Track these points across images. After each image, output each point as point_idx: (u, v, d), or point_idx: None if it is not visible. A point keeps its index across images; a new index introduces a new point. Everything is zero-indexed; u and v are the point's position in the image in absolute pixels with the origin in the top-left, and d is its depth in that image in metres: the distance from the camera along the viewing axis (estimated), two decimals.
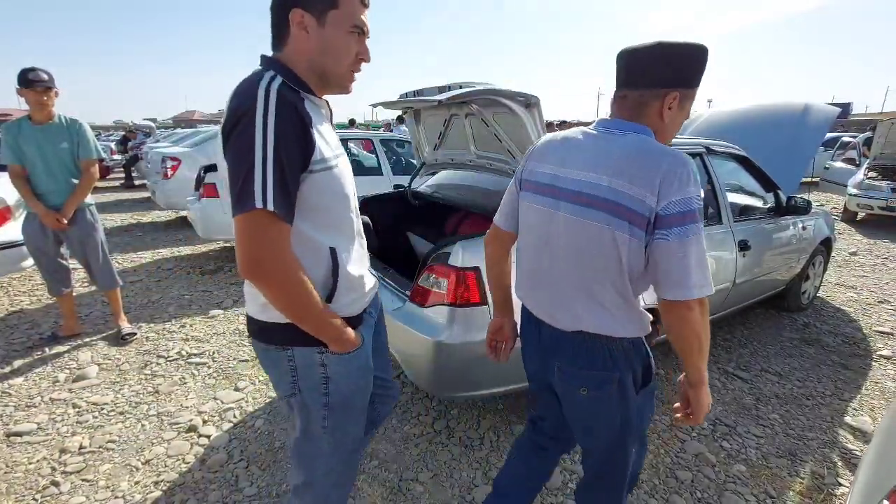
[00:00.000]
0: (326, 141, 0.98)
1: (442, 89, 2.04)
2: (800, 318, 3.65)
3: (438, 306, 1.83)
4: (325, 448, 1.12)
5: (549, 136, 1.21)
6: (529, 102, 1.87)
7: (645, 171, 0.96)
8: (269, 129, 0.86)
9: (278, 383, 1.11)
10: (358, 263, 1.11)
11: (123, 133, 12.33)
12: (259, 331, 1.07)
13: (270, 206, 0.85)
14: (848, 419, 2.37)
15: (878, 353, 3.08)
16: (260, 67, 0.97)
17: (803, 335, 3.34)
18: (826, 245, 3.78)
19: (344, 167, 1.05)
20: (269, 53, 1.02)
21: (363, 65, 1.05)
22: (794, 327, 3.48)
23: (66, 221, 2.80)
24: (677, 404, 1.17)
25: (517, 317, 1.37)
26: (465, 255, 1.80)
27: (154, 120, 13.42)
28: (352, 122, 14.20)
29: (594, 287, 1.06)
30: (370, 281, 1.17)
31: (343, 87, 1.06)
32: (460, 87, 1.97)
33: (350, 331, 1.05)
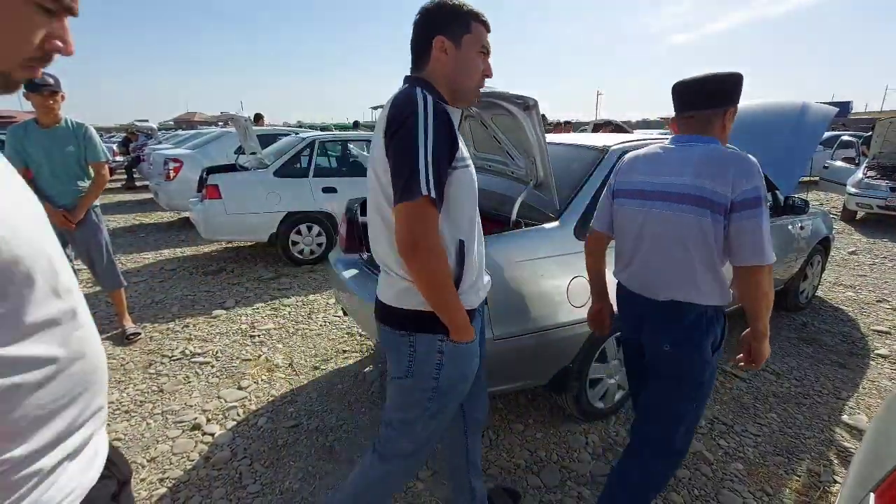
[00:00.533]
0: (463, 143, 1.16)
1: None
2: (798, 317, 3.67)
3: None
4: (420, 429, 1.27)
5: (632, 153, 1.56)
6: (528, 105, 1.90)
7: (721, 170, 1.28)
8: (429, 130, 1.03)
9: (393, 364, 1.25)
10: (480, 259, 1.25)
11: (125, 134, 12.36)
12: (389, 316, 1.22)
13: (433, 194, 1.01)
14: (845, 418, 2.39)
15: (875, 352, 3.10)
16: (406, 84, 1.16)
17: (801, 334, 3.36)
18: (824, 244, 3.80)
19: (473, 169, 1.20)
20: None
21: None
22: (793, 326, 3.50)
23: (74, 222, 2.84)
24: (741, 355, 1.45)
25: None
26: None
27: (144, 121, 13.51)
28: (356, 124, 14.27)
29: (685, 264, 1.36)
30: (486, 278, 1.31)
31: (469, 101, 1.26)
32: None
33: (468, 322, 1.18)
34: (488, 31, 1.21)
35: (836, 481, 1.97)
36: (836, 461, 2.10)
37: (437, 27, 1.16)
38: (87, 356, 0.65)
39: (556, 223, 2.05)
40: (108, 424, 2.27)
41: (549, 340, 1.95)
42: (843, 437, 2.26)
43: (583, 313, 2.00)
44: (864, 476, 0.94)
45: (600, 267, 1.67)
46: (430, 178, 1.01)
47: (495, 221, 2.27)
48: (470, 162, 1.17)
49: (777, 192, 3.14)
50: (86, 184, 2.90)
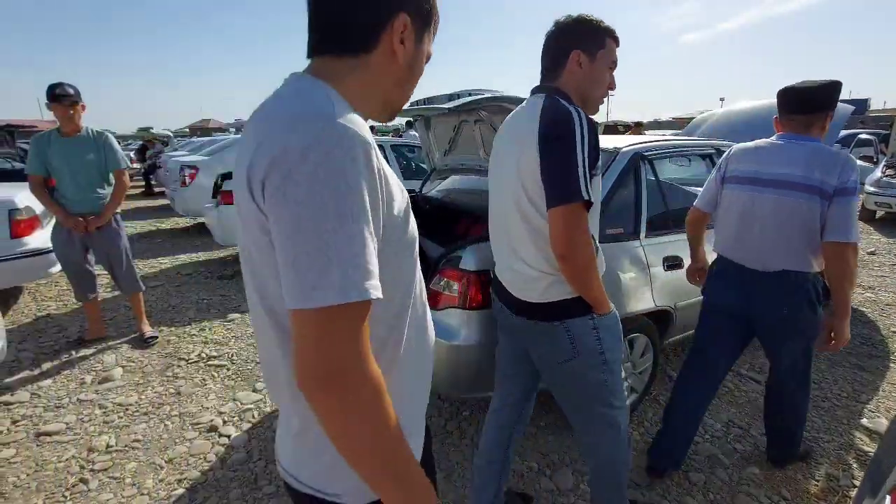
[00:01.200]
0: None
1: (451, 97, 2.09)
2: None
3: (450, 309, 1.87)
4: (608, 395, 1.38)
5: (742, 146, 1.84)
6: None
7: (828, 164, 1.58)
8: (585, 141, 1.14)
9: (552, 353, 1.36)
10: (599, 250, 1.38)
11: (142, 142, 12.63)
12: (537, 311, 1.34)
13: (591, 198, 1.15)
14: (864, 421, 2.35)
15: (895, 354, 3.04)
16: (545, 95, 1.25)
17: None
18: None
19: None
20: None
21: None
22: None
23: (93, 227, 2.91)
24: (822, 333, 1.70)
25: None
26: (475, 258, 1.84)
27: (147, 129, 13.81)
28: (371, 129, 14.94)
29: (793, 241, 1.65)
30: (604, 261, 1.43)
31: (595, 110, 1.34)
32: (469, 95, 2.02)
33: None
34: (618, 46, 1.32)
35: (855, 486, 1.94)
36: (855, 465, 2.06)
37: (574, 41, 1.26)
38: None
39: None
40: (128, 426, 2.33)
41: None
42: (862, 440, 2.22)
43: None
44: (881, 476, 0.93)
45: (700, 236, 2.03)
46: (587, 183, 1.14)
47: None
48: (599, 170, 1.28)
49: None
50: (106, 191, 2.98)
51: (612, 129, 13.55)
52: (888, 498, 0.82)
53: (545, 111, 1.19)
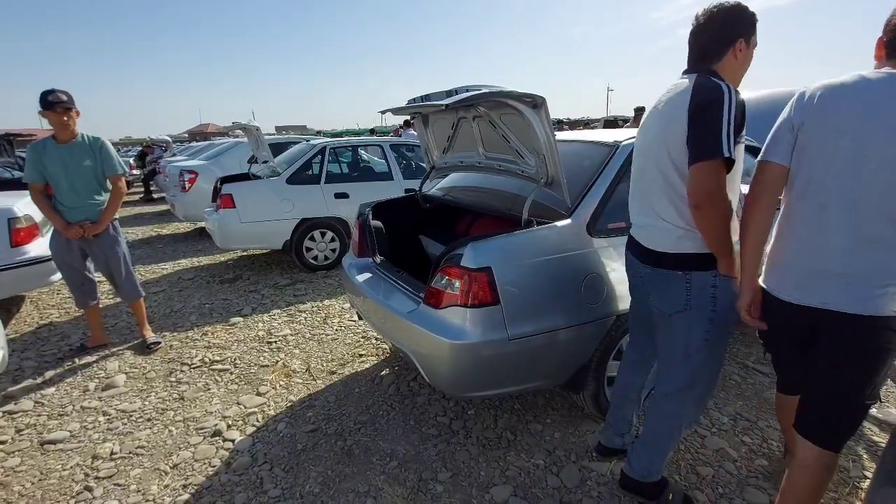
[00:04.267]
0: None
1: (449, 93, 2.06)
2: None
3: (452, 307, 1.85)
4: (705, 358, 1.52)
5: None
6: (536, 103, 1.89)
7: None
8: (732, 110, 1.28)
9: (668, 301, 1.51)
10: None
11: (141, 148, 12.64)
12: (664, 260, 1.50)
13: (731, 154, 1.28)
14: (873, 411, 2.32)
15: None
16: (696, 75, 1.39)
17: None
18: None
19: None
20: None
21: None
22: None
23: (90, 234, 2.90)
24: None
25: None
26: (477, 255, 1.82)
27: (128, 139, 14.09)
28: (372, 131, 16.01)
29: None
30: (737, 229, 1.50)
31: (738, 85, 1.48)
32: (467, 91, 2.00)
33: None
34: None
35: (865, 476, 1.92)
36: (865, 456, 2.04)
37: (739, 30, 1.40)
38: None
39: (568, 220, 2.03)
40: (132, 433, 2.32)
41: (565, 339, 1.93)
42: (871, 431, 2.20)
43: (598, 311, 1.99)
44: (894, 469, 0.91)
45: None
46: (730, 143, 1.27)
47: (507, 221, 2.26)
48: (744, 140, 1.40)
49: None
50: (103, 197, 2.97)
51: (612, 123, 13.69)
52: None
53: (697, 86, 1.35)
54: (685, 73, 1.48)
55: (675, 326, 1.53)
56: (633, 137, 2.36)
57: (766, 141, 1.37)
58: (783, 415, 1.75)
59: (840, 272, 1.23)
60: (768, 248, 1.45)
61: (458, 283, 1.84)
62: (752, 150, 2.97)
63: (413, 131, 11.11)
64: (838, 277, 1.23)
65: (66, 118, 2.75)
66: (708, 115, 1.30)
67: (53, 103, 2.69)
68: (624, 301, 2.05)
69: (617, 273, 2.04)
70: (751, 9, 1.41)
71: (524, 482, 1.93)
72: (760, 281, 1.45)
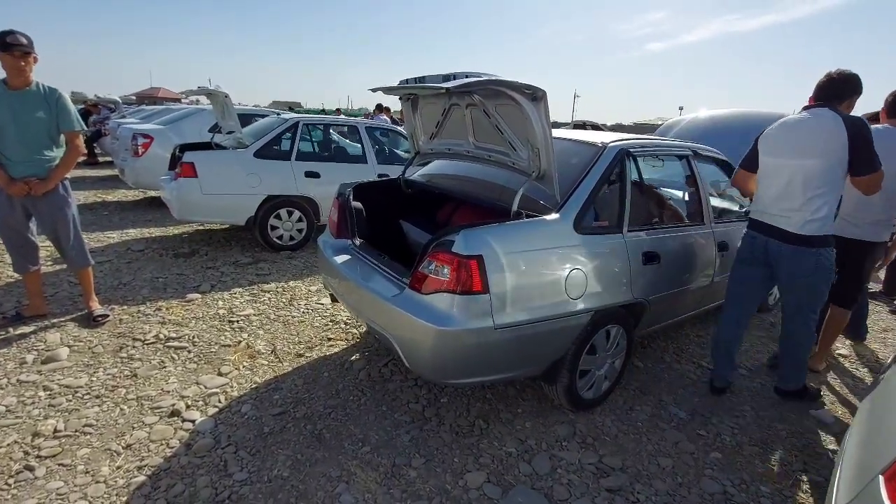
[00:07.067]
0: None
1: (447, 77, 2.03)
2: (767, 317, 3.85)
3: (440, 293, 1.83)
4: (816, 306, 2.36)
5: None
6: (536, 96, 1.89)
7: None
8: (872, 136, 2.11)
9: (801, 269, 2.25)
10: None
11: (84, 106, 11.59)
12: (805, 241, 2.20)
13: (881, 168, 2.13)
14: (812, 412, 2.53)
15: (836, 351, 3.30)
16: (834, 112, 2.17)
17: (770, 333, 3.53)
18: None
19: None
20: None
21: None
22: (762, 326, 3.67)
23: (38, 192, 2.64)
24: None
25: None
26: (469, 243, 1.81)
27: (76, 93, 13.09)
28: (337, 111, 15.82)
29: None
30: None
31: None
32: (466, 77, 1.97)
33: None
34: None
35: (806, 471, 2.09)
36: (806, 452, 2.21)
37: (851, 91, 2.22)
38: None
39: (556, 215, 2.06)
40: (77, 410, 2.15)
41: (547, 330, 1.97)
42: (811, 430, 2.39)
43: (579, 305, 2.04)
44: (867, 458, 0.99)
45: None
46: (878, 159, 2.11)
47: (491, 211, 2.26)
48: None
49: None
50: (54, 153, 2.71)
51: (581, 126, 14.64)
52: (881, 479, 0.87)
53: (848, 119, 2.11)
54: (819, 105, 2.26)
55: (804, 286, 2.28)
56: (617, 140, 2.44)
57: None
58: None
59: None
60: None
61: (447, 269, 1.82)
62: (721, 163, 3.14)
63: (384, 116, 10.91)
64: None
65: (23, 63, 2.48)
66: (865, 140, 2.09)
67: (11, 45, 2.42)
68: (601, 297, 2.12)
69: (597, 270, 2.10)
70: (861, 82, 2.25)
71: (497, 469, 1.96)
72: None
